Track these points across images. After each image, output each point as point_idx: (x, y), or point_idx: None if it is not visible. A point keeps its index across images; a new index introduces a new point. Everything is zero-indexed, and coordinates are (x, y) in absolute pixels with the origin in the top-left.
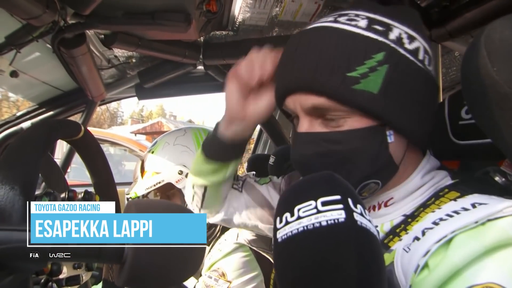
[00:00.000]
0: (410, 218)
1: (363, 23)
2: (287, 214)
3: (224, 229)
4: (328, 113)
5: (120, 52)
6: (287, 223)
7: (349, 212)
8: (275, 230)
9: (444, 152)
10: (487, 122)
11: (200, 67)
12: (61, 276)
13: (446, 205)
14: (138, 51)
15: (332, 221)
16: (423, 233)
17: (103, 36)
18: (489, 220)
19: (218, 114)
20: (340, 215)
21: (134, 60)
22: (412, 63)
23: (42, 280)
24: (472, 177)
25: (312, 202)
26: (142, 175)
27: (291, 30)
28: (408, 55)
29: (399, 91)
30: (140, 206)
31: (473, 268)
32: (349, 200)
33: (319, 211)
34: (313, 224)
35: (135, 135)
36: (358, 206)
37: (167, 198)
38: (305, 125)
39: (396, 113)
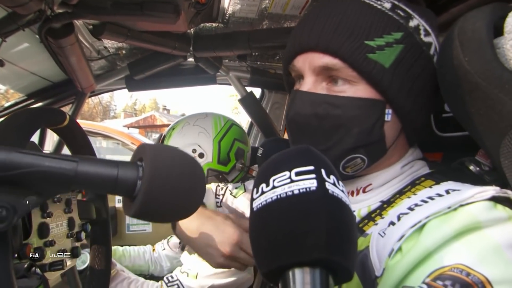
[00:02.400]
0: (386, 204)
1: (387, 5)
2: (263, 185)
3: None
4: (337, 75)
5: (109, 43)
6: (262, 193)
7: (321, 181)
8: (252, 200)
9: (428, 144)
10: (461, 111)
11: (191, 59)
12: (44, 261)
13: (422, 192)
14: (128, 42)
15: (304, 190)
16: (399, 218)
17: (91, 26)
18: (461, 206)
19: (212, 108)
20: (312, 184)
21: (124, 52)
22: (424, 53)
23: (26, 265)
24: (449, 167)
25: (287, 173)
26: None
27: (281, 23)
28: (421, 45)
29: (407, 73)
30: (152, 147)
31: (443, 251)
32: (322, 171)
33: (292, 181)
34: (286, 192)
35: (128, 129)
36: (331, 176)
37: None
38: (309, 84)
39: (400, 92)
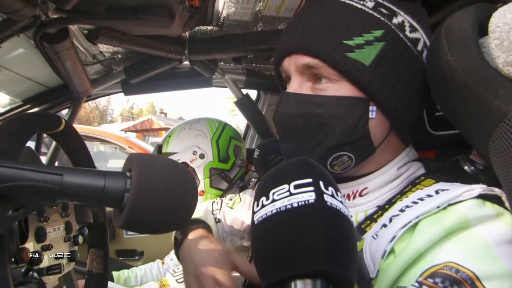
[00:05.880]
0: (388, 205)
1: (370, 4)
2: (263, 198)
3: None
4: (320, 73)
5: (105, 48)
6: (263, 206)
7: (319, 193)
8: (253, 213)
9: (421, 142)
10: (450, 110)
11: (186, 63)
12: (41, 265)
13: (414, 194)
14: (123, 47)
15: (303, 203)
16: (390, 220)
17: (86, 31)
18: (450, 205)
19: (209, 111)
20: (311, 196)
21: (119, 56)
22: (409, 49)
23: (23, 270)
24: (444, 166)
25: (286, 186)
26: None
27: (275, 25)
28: (406, 41)
29: (390, 69)
30: (141, 157)
31: (434, 250)
32: (321, 183)
33: (291, 194)
34: (285, 206)
35: (125, 133)
36: (330, 188)
37: None
38: (295, 85)
39: (382, 89)
